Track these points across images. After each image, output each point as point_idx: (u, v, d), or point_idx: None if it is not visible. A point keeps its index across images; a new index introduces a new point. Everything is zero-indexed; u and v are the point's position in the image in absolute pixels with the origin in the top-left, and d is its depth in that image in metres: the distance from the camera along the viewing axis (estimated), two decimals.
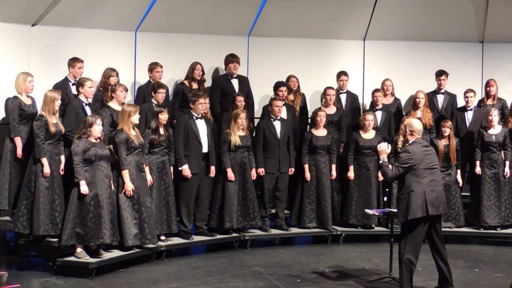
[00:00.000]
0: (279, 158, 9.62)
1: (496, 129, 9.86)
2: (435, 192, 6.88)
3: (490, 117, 9.78)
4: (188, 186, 9.02)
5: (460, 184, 9.95)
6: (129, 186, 8.12)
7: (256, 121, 10.27)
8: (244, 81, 10.27)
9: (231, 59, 10.12)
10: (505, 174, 9.85)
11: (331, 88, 10.26)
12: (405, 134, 7.14)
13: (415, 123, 7.11)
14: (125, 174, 8.13)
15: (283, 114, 9.81)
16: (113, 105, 8.62)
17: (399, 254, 7.01)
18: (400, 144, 9.72)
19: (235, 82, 10.18)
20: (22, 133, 8.19)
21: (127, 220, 8.11)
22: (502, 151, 9.89)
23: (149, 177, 8.44)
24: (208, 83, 10.29)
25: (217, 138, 9.49)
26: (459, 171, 9.91)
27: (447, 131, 9.71)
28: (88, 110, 8.46)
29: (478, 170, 9.89)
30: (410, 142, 7.05)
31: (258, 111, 10.55)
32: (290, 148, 9.72)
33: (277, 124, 9.64)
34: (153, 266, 8.43)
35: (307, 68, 11.02)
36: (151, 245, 8.37)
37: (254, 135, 9.87)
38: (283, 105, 9.76)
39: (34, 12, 9.24)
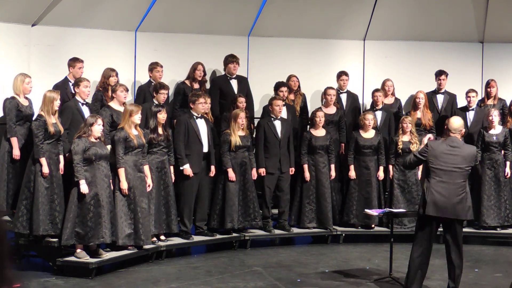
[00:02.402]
0: (279, 158, 9.61)
1: (496, 130, 9.86)
2: (441, 194, 6.71)
3: (491, 117, 9.78)
4: (188, 185, 9.02)
5: None
6: (124, 185, 8.10)
7: (256, 121, 10.27)
8: (243, 81, 10.26)
9: (231, 59, 10.11)
10: (505, 175, 9.85)
11: (332, 88, 10.26)
12: (445, 130, 7.11)
13: (452, 121, 6.98)
14: (121, 172, 8.12)
15: (283, 114, 9.81)
16: (114, 105, 8.62)
17: None
18: (400, 144, 9.77)
19: (234, 83, 10.17)
20: (19, 133, 8.18)
21: (120, 219, 8.09)
22: (503, 151, 9.89)
23: (149, 179, 8.43)
24: (209, 84, 10.29)
25: (217, 138, 9.49)
26: None
27: None
28: (85, 109, 8.46)
29: (478, 170, 9.89)
30: (444, 139, 6.99)
31: (258, 111, 10.55)
32: (290, 148, 9.72)
33: (278, 124, 9.64)
34: (153, 266, 8.43)
35: (307, 68, 11.02)
36: (147, 246, 8.36)
37: (254, 135, 9.87)
38: (283, 105, 9.76)
39: (34, 12, 9.23)
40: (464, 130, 7.24)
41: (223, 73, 10.27)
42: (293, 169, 9.77)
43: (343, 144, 10.27)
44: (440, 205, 6.72)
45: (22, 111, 8.18)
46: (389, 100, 10.61)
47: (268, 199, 9.68)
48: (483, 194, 9.85)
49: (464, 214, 6.80)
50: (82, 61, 8.98)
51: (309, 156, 9.84)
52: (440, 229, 7.10)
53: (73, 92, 8.70)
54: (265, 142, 9.61)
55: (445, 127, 7.02)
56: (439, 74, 10.64)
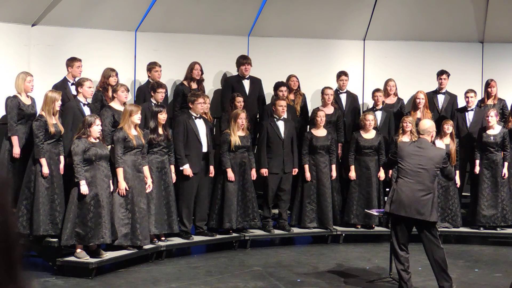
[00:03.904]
0: (283, 158, 9.60)
1: (495, 130, 9.84)
2: (405, 193, 6.78)
3: (488, 118, 9.77)
4: (188, 186, 9.02)
5: (458, 185, 9.95)
6: (122, 185, 8.10)
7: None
8: (256, 82, 10.28)
9: (243, 61, 10.13)
10: (503, 175, 9.84)
11: (329, 88, 10.27)
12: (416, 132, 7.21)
13: (422, 122, 7.14)
14: (119, 172, 8.11)
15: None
16: (115, 105, 8.61)
17: None
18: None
19: (246, 83, 10.19)
20: (20, 132, 8.18)
21: (117, 219, 8.09)
22: (502, 152, 9.88)
23: (149, 180, 8.42)
24: (215, 85, 10.30)
25: (219, 138, 9.49)
26: (457, 171, 9.90)
27: (449, 128, 9.65)
28: (86, 110, 8.46)
29: (477, 170, 9.89)
30: (415, 139, 7.11)
31: None
32: (293, 148, 9.71)
33: (281, 124, 9.62)
34: (153, 266, 8.43)
35: (307, 68, 11.01)
36: (148, 246, 8.35)
37: (257, 135, 9.89)
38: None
39: (34, 12, 9.23)
40: (434, 132, 7.30)
41: (229, 73, 10.30)
42: (296, 169, 9.74)
43: (341, 144, 10.27)
44: (405, 204, 6.79)
45: (23, 110, 8.18)
46: (392, 100, 10.61)
47: (270, 199, 9.67)
48: (480, 194, 9.85)
49: (427, 215, 6.78)
50: (80, 60, 8.97)
51: (310, 156, 9.83)
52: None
53: (74, 92, 8.70)
54: (268, 142, 9.59)
55: (417, 128, 7.14)
56: (441, 73, 10.63)
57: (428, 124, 7.08)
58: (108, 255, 8.02)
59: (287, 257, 9.00)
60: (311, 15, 10.92)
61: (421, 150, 6.89)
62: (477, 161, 9.89)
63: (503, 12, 11.01)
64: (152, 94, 9.05)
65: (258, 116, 10.32)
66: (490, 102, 10.44)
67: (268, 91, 10.42)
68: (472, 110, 10.22)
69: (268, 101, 10.41)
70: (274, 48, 11.00)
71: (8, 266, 1.24)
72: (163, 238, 8.76)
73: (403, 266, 6.98)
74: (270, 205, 9.71)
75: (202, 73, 9.99)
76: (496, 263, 8.77)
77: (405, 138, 9.75)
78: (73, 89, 8.78)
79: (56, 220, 7.99)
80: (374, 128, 9.95)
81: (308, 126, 10.33)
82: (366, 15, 11.11)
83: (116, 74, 9.22)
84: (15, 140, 8.13)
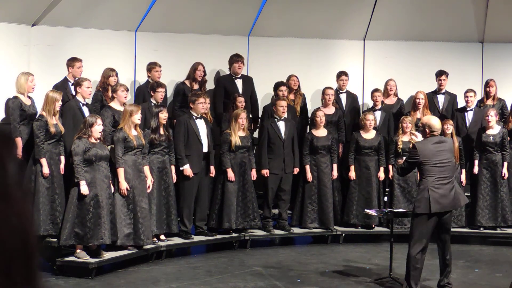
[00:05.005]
0: (283, 159, 9.60)
1: (494, 130, 9.84)
2: (441, 189, 6.88)
3: (487, 118, 9.76)
4: (188, 186, 9.02)
5: (463, 184, 9.94)
6: (123, 185, 8.10)
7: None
8: (248, 81, 10.27)
9: (236, 59, 10.11)
10: (502, 176, 9.83)
11: (330, 88, 10.27)
12: (424, 131, 7.16)
13: (435, 122, 7.17)
14: (120, 172, 8.11)
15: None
16: (115, 105, 8.61)
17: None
18: (400, 144, 9.77)
19: (239, 82, 10.18)
20: (23, 133, 8.19)
21: (119, 219, 8.10)
22: (501, 152, 9.87)
23: (150, 178, 8.43)
24: (209, 85, 10.29)
25: (219, 138, 9.49)
26: (463, 170, 9.88)
27: (449, 128, 9.64)
28: (85, 110, 8.46)
29: (475, 170, 9.88)
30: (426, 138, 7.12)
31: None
32: (294, 148, 9.70)
33: (282, 125, 9.62)
34: (153, 266, 8.43)
35: (307, 68, 11.02)
36: (148, 246, 8.36)
37: (257, 135, 9.87)
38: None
39: (34, 12, 9.23)
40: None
41: (226, 73, 10.28)
42: (297, 169, 9.73)
43: (341, 144, 10.27)
44: (442, 200, 6.89)
45: (25, 111, 8.18)
46: (391, 100, 10.61)
47: (270, 199, 9.66)
48: (479, 194, 9.84)
49: (460, 204, 7.20)
50: (80, 60, 8.97)
51: (311, 157, 9.83)
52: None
53: (73, 92, 8.70)
54: (269, 143, 9.59)
55: (426, 128, 7.06)
56: (440, 74, 10.63)
57: (439, 122, 7.26)
58: (108, 255, 8.02)
59: (287, 257, 9.00)
60: (311, 15, 10.92)
61: (441, 146, 7.03)
62: (476, 161, 9.89)
63: (503, 12, 11.01)
64: (152, 93, 9.05)
65: (251, 115, 10.27)
66: (489, 102, 10.43)
67: (268, 91, 10.42)
68: (471, 110, 10.21)
69: (261, 100, 10.43)
70: (274, 48, 11.00)
71: (27, 273, 1.26)
72: (163, 238, 8.76)
73: (418, 281, 7.01)
74: (270, 205, 9.70)
75: (205, 74, 9.97)
76: (496, 263, 8.77)
77: (405, 138, 9.75)
78: (73, 89, 8.78)
79: (56, 220, 8.00)
80: (374, 128, 9.95)
81: (308, 127, 10.32)
82: (366, 15, 11.11)
83: (116, 74, 9.22)
84: (18, 142, 8.12)
